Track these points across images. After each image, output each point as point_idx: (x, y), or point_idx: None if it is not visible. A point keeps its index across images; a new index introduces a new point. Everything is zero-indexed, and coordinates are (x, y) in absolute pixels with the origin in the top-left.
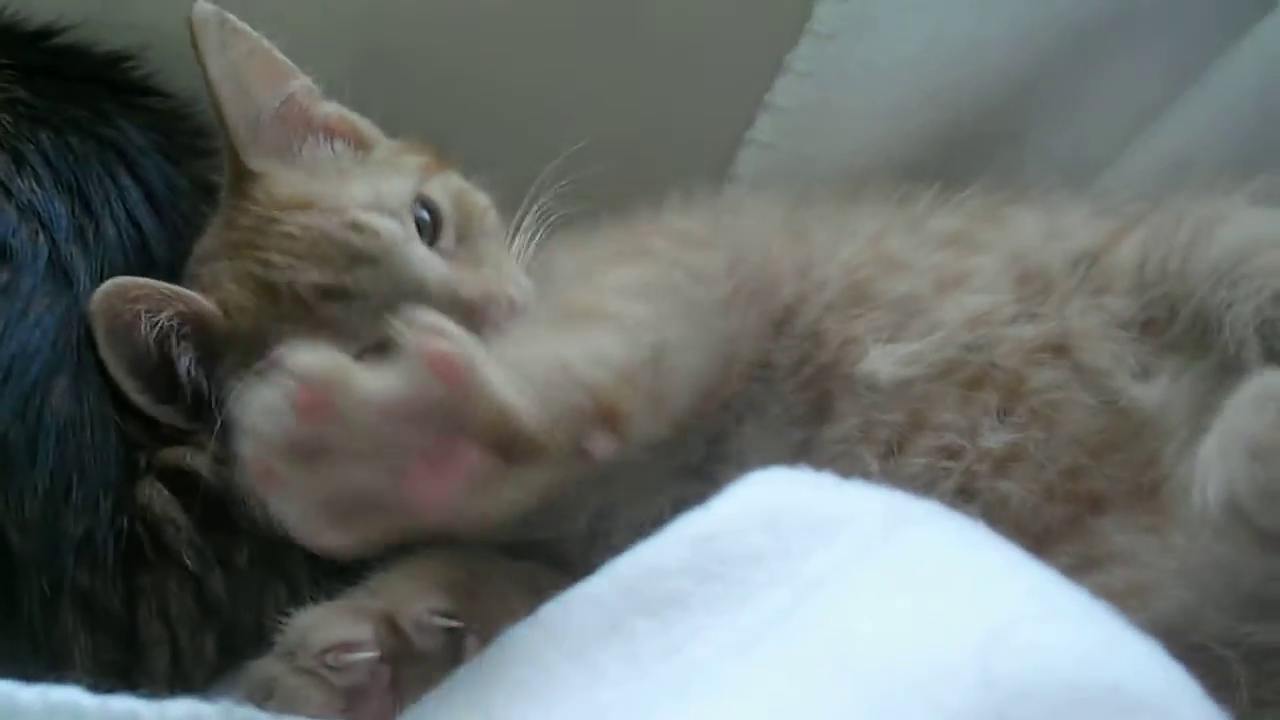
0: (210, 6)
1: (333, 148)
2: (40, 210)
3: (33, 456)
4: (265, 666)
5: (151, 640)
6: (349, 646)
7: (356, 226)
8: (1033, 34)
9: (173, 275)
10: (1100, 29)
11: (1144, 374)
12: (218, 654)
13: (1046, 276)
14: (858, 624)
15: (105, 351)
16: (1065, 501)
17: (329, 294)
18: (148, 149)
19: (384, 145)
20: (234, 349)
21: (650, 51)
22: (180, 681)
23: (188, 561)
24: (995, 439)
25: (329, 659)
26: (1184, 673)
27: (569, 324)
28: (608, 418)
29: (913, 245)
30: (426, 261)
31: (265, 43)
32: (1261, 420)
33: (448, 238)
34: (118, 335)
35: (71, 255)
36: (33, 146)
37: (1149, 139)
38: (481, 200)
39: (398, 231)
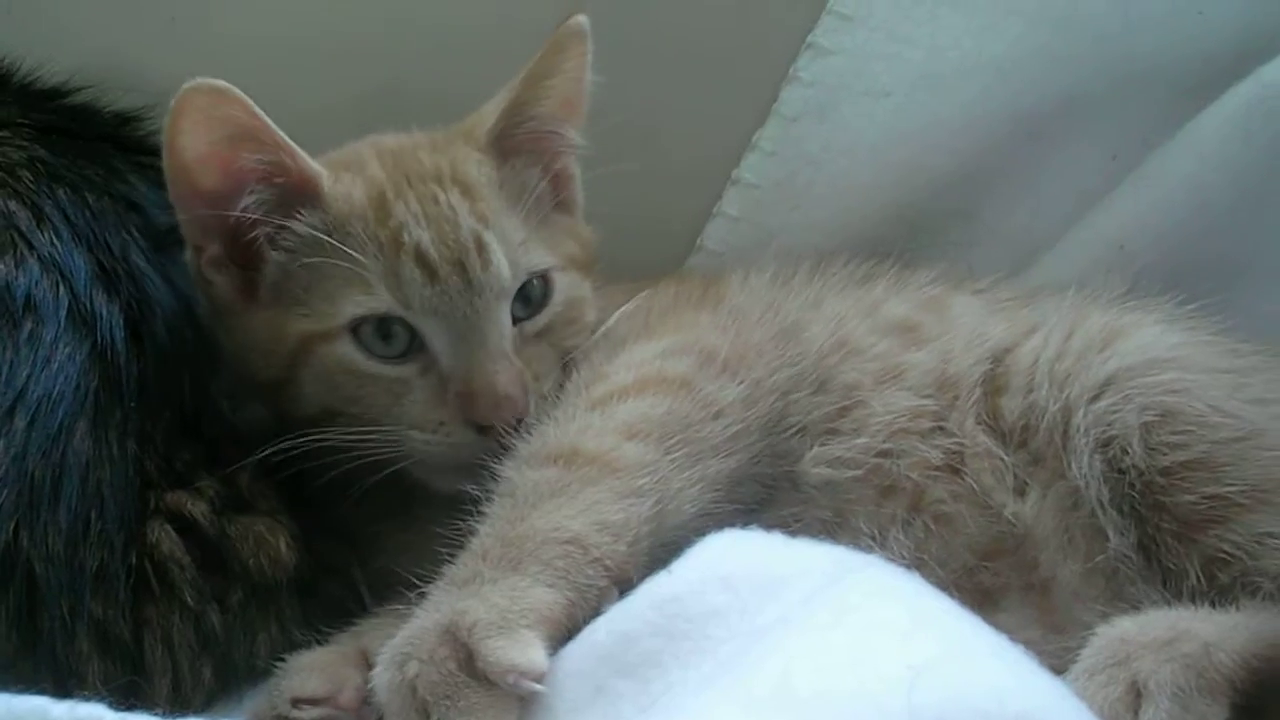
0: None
1: (536, 189)
2: (61, 262)
3: (57, 495)
4: (259, 705)
5: (156, 667)
6: (314, 701)
7: (481, 244)
8: (982, 121)
9: (183, 317)
10: (1045, 118)
11: (1020, 491)
12: (214, 681)
13: (957, 389)
14: (799, 660)
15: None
16: (965, 594)
17: (421, 260)
18: (158, 203)
19: (567, 221)
20: (307, 217)
21: (625, 130)
22: (180, 705)
23: (189, 599)
24: (900, 544)
25: (294, 712)
26: (1085, 707)
27: (579, 479)
28: (619, 580)
29: (866, 330)
30: (499, 325)
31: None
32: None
33: (538, 324)
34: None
35: (90, 305)
36: (51, 202)
37: (1088, 224)
38: (589, 317)
39: (503, 279)
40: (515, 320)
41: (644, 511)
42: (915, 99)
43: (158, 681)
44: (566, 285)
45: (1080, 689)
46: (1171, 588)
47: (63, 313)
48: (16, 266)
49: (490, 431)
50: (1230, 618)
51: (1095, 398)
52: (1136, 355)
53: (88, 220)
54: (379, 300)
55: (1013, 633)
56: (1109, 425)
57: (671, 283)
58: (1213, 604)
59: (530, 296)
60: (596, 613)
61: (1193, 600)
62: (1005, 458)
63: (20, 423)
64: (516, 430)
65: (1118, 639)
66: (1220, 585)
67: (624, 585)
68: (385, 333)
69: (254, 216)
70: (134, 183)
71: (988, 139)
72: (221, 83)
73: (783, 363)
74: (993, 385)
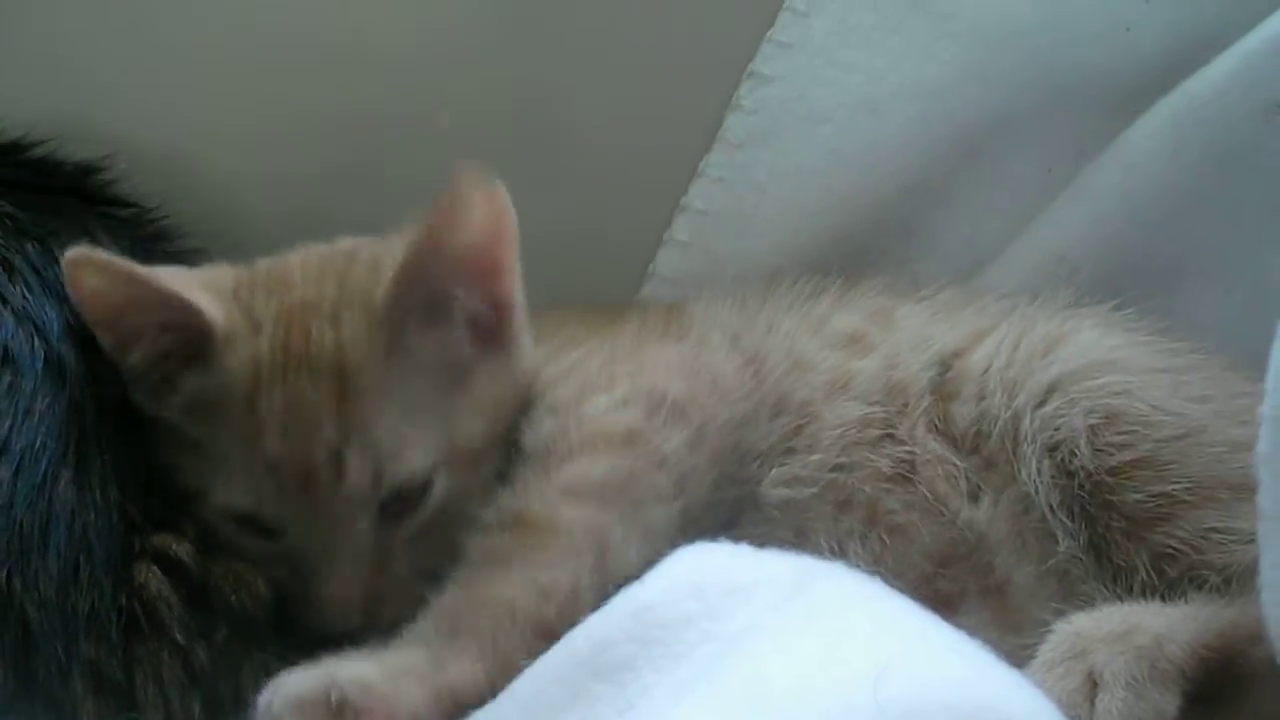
0: None
1: (445, 354)
2: (34, 315)
3: (45, 542)
4: None
5: (148, 703)
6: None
7: (339, 459)
8: (921, 142)
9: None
10: (982, 136)
11: (974, 497)
12: (203, 715)
13: (905, 395)
14: (770, 663)
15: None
16: (925, 600)
17: (272, 470)
18: (121, 254)
19: (492, 368)
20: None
21: (572, 159)
22: None
23: (178, 636)
24: (859, 557)
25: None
26: (1043, 695)
27: (521, 545)
28: (550, 638)
29: (817, 345)
30: (349, 537)
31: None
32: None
33: (408, 528)
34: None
35: (62, 355)
36: (21, 256)
37: (1029, 237)
38: (475, 508)
39: (360, 495)
40: (385, 518)
41: (579, 570)
42: (855, 123)
43: (150, 716)
44: (447, 484)
45: (1039, 681)
46: (1122, 584)
47: (39, 364)
48: None
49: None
50: (1179, 610)
51: (1041, 403)
52: (1078, 359)
53: (56, 274)
54: (240, 497)
55: (972, 634)
56: (1056, 430)
57: (633, 318)
58: (1162, 598)
59: (401, 499)
60: None
61: (1143, 595)
62: (958, 463)
63: (6, 473)
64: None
65: (1074, 634)
66: (1169, 580)
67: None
68: (251, 520)
69: (144, 369)
70: (98, 235)
71: (927, 159)
72: (94, 255)
73: (742, 395)
74: (943, 391)
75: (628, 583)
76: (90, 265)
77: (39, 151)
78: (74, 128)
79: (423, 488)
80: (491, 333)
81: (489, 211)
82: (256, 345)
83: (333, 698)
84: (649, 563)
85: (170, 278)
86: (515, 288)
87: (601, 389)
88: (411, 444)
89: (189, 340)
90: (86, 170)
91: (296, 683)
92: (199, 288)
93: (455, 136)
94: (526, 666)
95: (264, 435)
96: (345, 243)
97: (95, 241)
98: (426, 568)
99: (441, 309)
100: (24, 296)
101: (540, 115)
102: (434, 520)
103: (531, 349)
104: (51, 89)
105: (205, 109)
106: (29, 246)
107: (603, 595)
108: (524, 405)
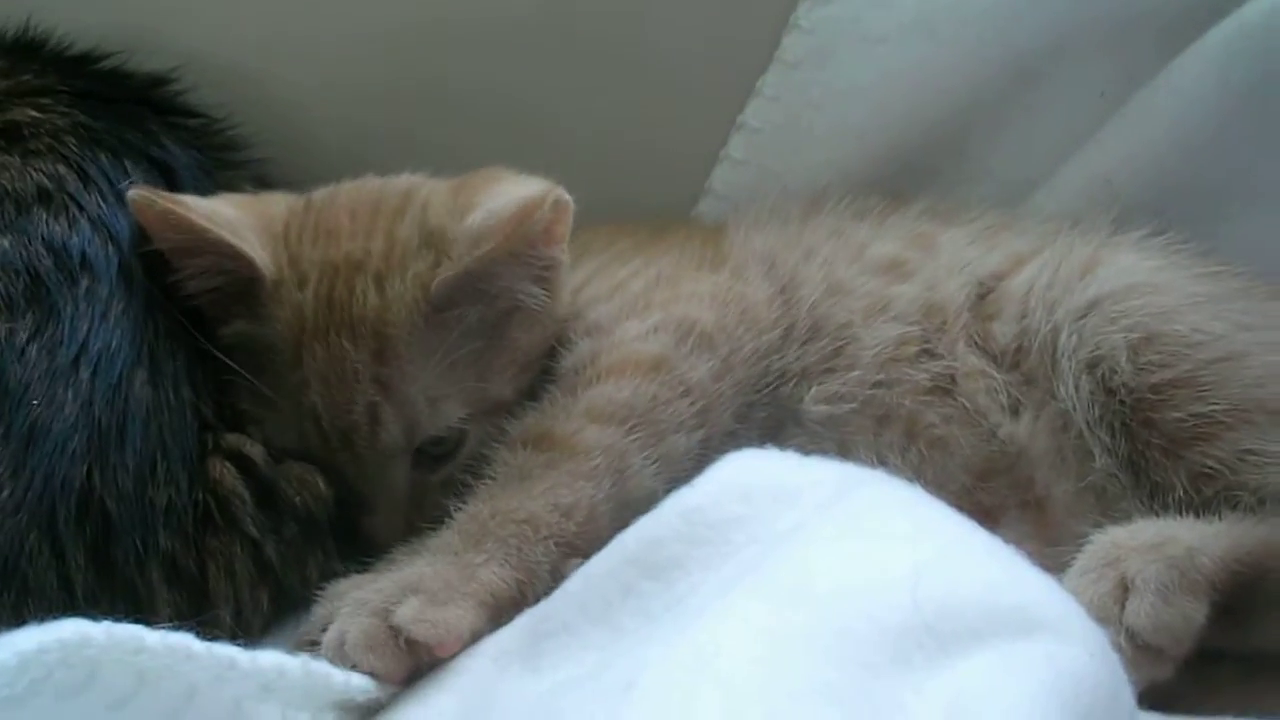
0: None
1: (487, 322)
2: (108, 223)
3: (123, 439)
4: (304, 629)
5: (219, 595)
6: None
7: (375, 416)
8: (974, 62)
9: None
10: (1035, 59)
11: (1014, 411)
12: (270, 608)
13: (944, 313)
14: (815, 562)
15: None
16: (965, 512)
17: (315, 423)
18: (189, 165)
19: (534, 315)
20: (241, 325)
21: (634, 78)
22: (242, 630)
23: (251, 529)
24: (898, 470)
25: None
26: (1073, 600)
27: (544, 463)
28: (575, 553)
29: (855, 272)
30: (388, 484)
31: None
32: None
33: (441, 474)
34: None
35: (134, 262)
36: (95, 166)
37: (1078, 161)
38: None
39: (394, 447)
40: (421, 462)
41: (598, 492)
42: (910, 44)
43: (222, 608)
44: (482, 432)
45: (1073, 587)
46: (1159, 501)
47: (114, 270)
48: (70, 227)
49: None
50: (1213, 527)
51: (1081, 319)
52: (1117, 280)
53: (128, 184)
54: (289, 439)
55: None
56: (1096, 346)
57: (677, 240)
58: (1197, 515)
59: (436, 449)
60: (553, 586)
61: (1179, 512)
62: (998, 377)
63: (85, 373)
64: None
65: (1109, 543)
66: (1204, 498)
67: (584, 555)
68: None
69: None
70: (168, 145)
71: (980, 81)
72: (153, 197)
73: (770, 325)
74: (983, 311)
75: (646, 505)
76: (150, 206)
77: (109, 63)
78: (144, 40)
79: (457, 439)
80: (539, 298)
81: (554, 217)
82: (302, 298)
83: (400, 641)
84: (667, 488)
85: (224, 219)
86: (563, 251)
87: (635, 314)
88: (446, 401)
89: (240, 280)
90: (156, 81)
91: (357, 625)
92: (250, 230)
93: (519, 50)
94: (547, 573)
95: (307, 388)
96: (400, 184)
97: (166, 153)
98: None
99: (491, 289)
100: (99, 205)
101: (602, 34)
102: (469, 465)
103: (568, 294)
104: (121, 1)
105: (273, 21)
106: (103, 157)
107: (620, 515)
108: (560, 331)
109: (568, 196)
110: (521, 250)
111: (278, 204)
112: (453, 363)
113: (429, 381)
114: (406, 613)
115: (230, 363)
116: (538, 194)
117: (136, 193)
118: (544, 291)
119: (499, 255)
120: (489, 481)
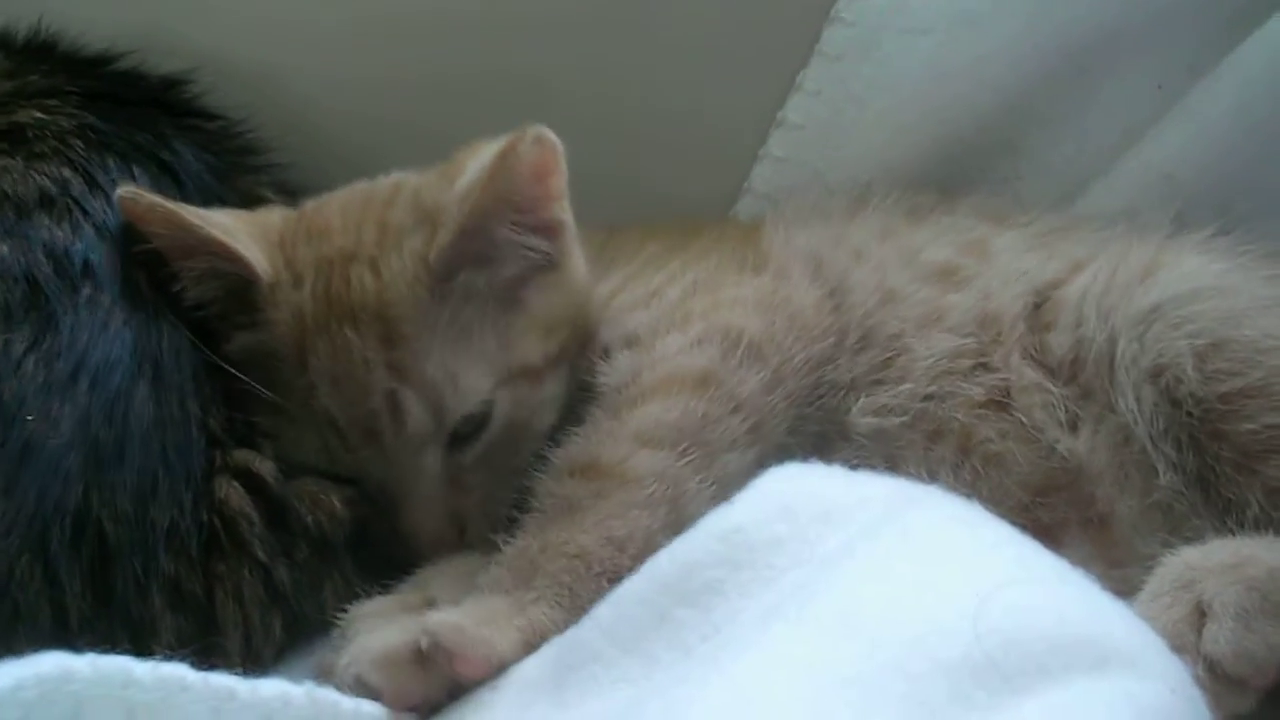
0: None
1: (495, 288)
2: (113, 230)
3: (122, 456)
4: (324, 657)
5: (228, 621)
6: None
7: (395, 404)
8: (1027, 54)
9: None
10: (1090, 50)
11: (1072, 426)
12: (283, 635)
13: (999, 324)
14: (863, 590)
15: None
16: (1025, 530)
17: (333, 427)
18: (200, 171)
19: (546, 283)
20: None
21: (666, 70)
22: (252, 658)
23: (259, 553)
24: (951, 488)
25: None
26: (1150, 629)
27: (593, 493)
28: None
29: (907, 279)
30: (423, 472)
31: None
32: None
33: (475, 451)
34: None
35: (139, 272)
36: (103, 171)
37: (1136, 154)
38: (543, 421)
39: (423, 433)
40: (451, 445)
41: (653, 522)
42: (956, 35)
43: (230, 635)
44: (510, 403)
45: (1145, 611)
46: (1234, 519)
47: (117, 278)
48: (73, 232)
49: None
50: None
51: (1141, 326)
52: (1180, 284)
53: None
54: (310, 455)
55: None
56: (1159, 354)
57: (712, 242)
58: (1276, 533)
59: (465, 428)
60: None
61: (1254, 530)
62: (1055, 390)
63: (83, 386)
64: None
65: (1182, 565)
66: None
67: None
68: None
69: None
70: (179, 150)
71: (1031, 73)
72: (141, 195)
73: (821, 332)
74: (1040, 321)
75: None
76: (140, 204)
77: (124, 64)
78: (160, 40)
79: (485, 411)
80: (543, 252)
81: (538, 154)
82: (300, 298)
83: (423, 643)
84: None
85: (216, 221)
86: (564, 209)
87: (676, 326)
88: (467, 373)
89: (238, 286)
90: (172, 83)
91: (378, 640)
92: (245, 235)
93: (548, 35)
94: None
95: (317, 392)
96: (389, 180)
97: (176, 157)
98: (501, 480)
99: (492, 250)
100: (105, 211)
101: (634, 27)
102: (501, 437)
103: (583, 261)
104: (138, 1)
105: (292, 21)
106: (111, 161)
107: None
108: (590, 326)
109: (553, 135)
110: (509, 194)
111: (274, 215)
112: (466, 332)
113: (444, 356)
114: (441, 616)
115: (239, 374)
116: (516, 134)
117: (124, 189)
118: (546, 243)
119: (487, 202)
120: (536, 514)
